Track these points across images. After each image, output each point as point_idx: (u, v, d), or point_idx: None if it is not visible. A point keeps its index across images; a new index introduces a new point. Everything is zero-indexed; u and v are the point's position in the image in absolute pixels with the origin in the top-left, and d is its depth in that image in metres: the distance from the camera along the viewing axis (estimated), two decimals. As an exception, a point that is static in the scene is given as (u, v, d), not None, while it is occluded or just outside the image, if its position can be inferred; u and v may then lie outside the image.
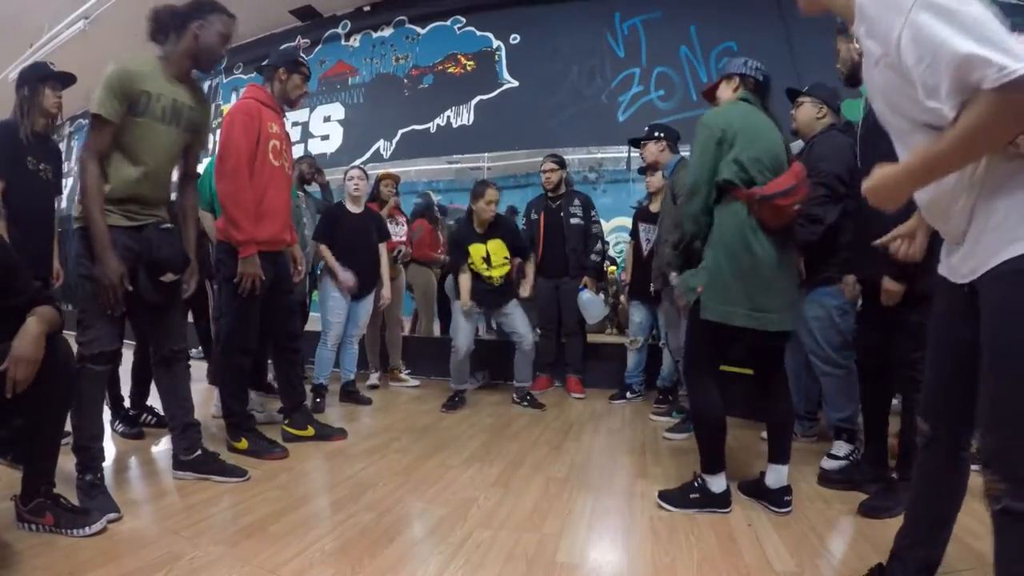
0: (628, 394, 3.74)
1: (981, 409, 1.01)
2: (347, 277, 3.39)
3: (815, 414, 2.78)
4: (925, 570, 1.25)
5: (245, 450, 2.41)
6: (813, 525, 1.79)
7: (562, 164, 3.97)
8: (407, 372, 4.37)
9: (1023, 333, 0.94)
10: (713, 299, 1.80)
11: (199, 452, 2.10)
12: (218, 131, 2.37)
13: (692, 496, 1.90)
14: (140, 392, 2.77)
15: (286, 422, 2.70)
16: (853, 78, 2.16)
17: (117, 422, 2.70)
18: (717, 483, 1.88)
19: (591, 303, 3.74)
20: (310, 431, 2.68)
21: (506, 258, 3.42)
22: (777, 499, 1.90)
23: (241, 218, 2.29)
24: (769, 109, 2.00)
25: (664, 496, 1.94)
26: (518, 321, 3.46)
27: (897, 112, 1.06)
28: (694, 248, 1.90)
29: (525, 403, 3.53)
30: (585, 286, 3.78)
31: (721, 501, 1.87)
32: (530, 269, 3.67)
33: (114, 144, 1.80)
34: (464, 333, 3.38)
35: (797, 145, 2.73)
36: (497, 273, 3.40)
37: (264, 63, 2.58)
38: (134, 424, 2.71)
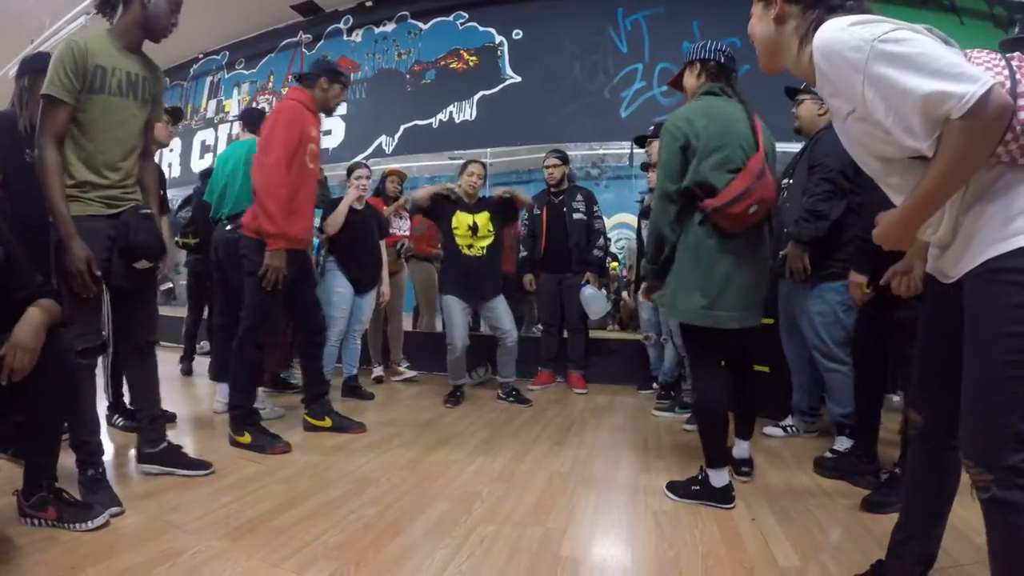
0: (655, 386, 3.68)
1: (962, 402, 1.05)
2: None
3: (817, 409, 2.77)
4: (922, 564, 1.27)
5: (248, 444, 2.41)
6: (816, 520, 1.78)
7: (565, 159, 3.95)
8: (406, 365, 4.38)
9: (997, 329, 0.97)
10: (680, 301, 1.90)
11: (164, 445, 2.08)
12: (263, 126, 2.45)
13: (693, 488, 1.94)
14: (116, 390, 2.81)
15: (306, 412, 2.78)
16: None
17: (117, 416, 2.71)
18: (718, 477, 1.89)
19: (594, 298, 3.73)
20: (327, 422, 2.75)
21: (490, 230, 3.46)
22: (737, 467, 2.13)
23: (276, 212, 2.34)
24: (736, 88, 2.01)
25: (670, 486, 2.00)
26: (503, 316, 3.47)
27: (877, 156, 1.09)
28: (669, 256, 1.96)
29: (511, 399, 3.52)
30: (588, 281, 3.77)
31: (720, 496, 1.88)
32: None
33: (79, 128, 1.78)
34: (459, 329, 3.38)
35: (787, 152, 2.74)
36: (480, 244, 3.43)
37: (307, 72, 2.65)
38: (134, 417, 2.70)
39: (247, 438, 2.42)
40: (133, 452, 2.35)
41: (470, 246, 3.42)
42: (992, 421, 1.00)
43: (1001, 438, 0.98)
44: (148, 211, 1.92)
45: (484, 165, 3.57)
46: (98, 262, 1.77)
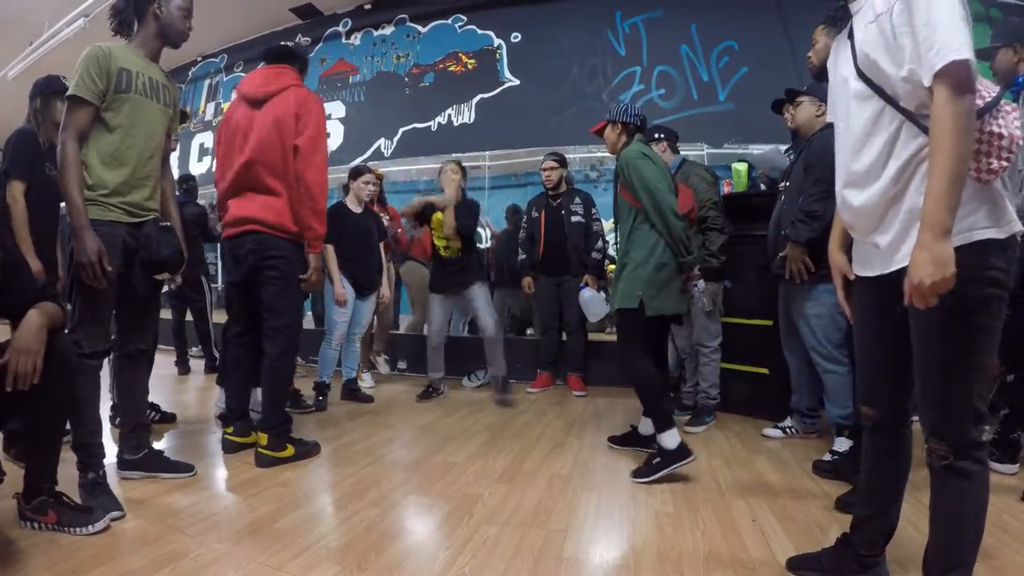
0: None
1: (919, 387, 1.17)
2: (343, 292, 3.39)
3: (816, 410, 2.78)
4: (884, 535, 1.37)
5: (292, 456, 2.29)
6: (817, 520, 1.79)
7: (562, 162, 3.97)
8: (384, 359, 4.44)
9: (941, 317, 1.06)
10: (653, 299, 2.25)
11: (146, 451, 2.07)
12: (298, 118, 2.24)
13: (655, 462, 2.14)
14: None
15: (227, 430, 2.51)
16: (823, 72, 2.23)
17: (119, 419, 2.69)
18: (670, 439, 2.13)
19: (593, 301, 3.73)
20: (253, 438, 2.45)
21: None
22: (646, 443, 2.40)
23: (325, 212, 2.32)
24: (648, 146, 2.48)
25: (636, 473, 2.18)
26: (481, 307, 3.52)
27: (868, 70, 1.17)
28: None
29: (504, 393, 3.53)
30: (586, 284, 3.78)
31: (680, 454, 2.12)
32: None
33: (107, 127, 1.81)
34: (436, 324, 3.55)
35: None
36: (455, 245, 3.51)
37: (289, 47, 2.54)
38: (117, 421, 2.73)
39: (290, 450, 2.31)
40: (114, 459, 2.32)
41: (446, 247, 3.53)
42: (955, 405, 1.11)
43: (964, 418, 1.11)
44: (168, 224, 1.96)
45: (459, 163, 3.65)
46: (114, 268, 1.79)
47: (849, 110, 1.24)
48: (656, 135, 3.23)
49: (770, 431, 2.81)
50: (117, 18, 1.93)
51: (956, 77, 0.99)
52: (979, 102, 1.05)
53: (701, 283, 2.92)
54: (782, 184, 2.61)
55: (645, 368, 2.29)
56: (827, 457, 2.28)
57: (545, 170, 3.94)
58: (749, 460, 2.42)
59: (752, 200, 3.34)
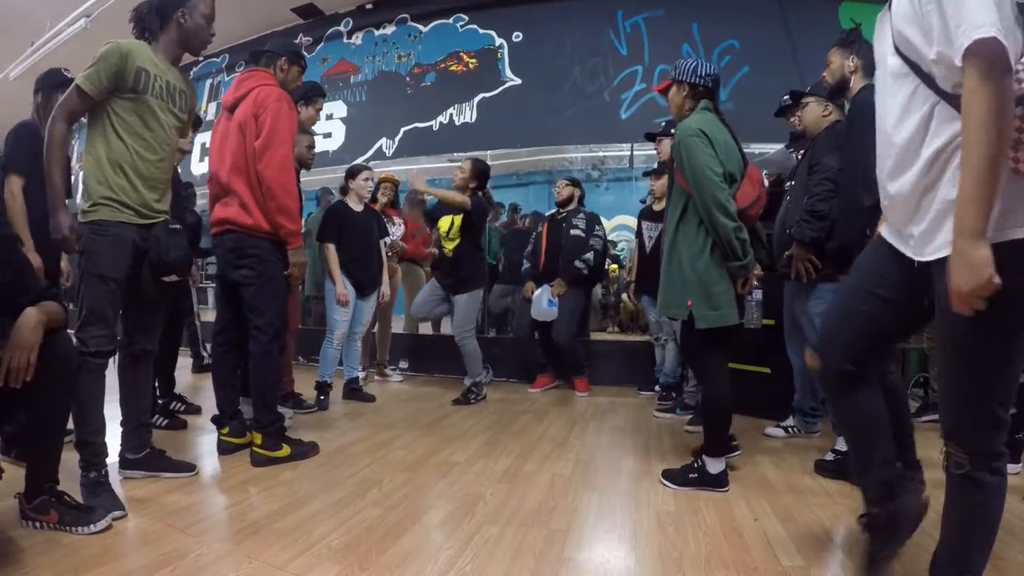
0: (656, 387, 3.67)
1: (941, 387, 1.14)
2: (345, 293, 3.39)
3: (818, 410, 2.77)
4: (888, 485, 1.27)
5: (288, 456, 2.29)
6: (819, 519, 1.78)
7: (577, 184, 4.09)
8: (391, 368, 4.47)
9: (967, 326, 1.00)
10: (704, 307, 2.00)
11: (147, 450, 2.07)
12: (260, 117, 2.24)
13: (691, 476, 2.06)
14: (166, 383, 2.98)
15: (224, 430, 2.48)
16: (838, 91, 2.25)
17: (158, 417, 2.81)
18: (716, 465, 2.03)
19: (538, 301, 3.81)
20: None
21: (457, 233, 3.59)
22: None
23: (294, 209, 2.30)
24: (722, 113, 2.15)
25: (666, 475, 2.11)
26: (457, 314, 3.60)
27: (903, 46, 1.09)
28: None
29: (469, 395, 3.58)
30: (551, 286, 3.82)
31: (717, 481, 2.03)
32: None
33: (123, 126, 1.82)
34: (419, 298, 3.71)
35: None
36: (448, 245, 3.60)
37: (264, 49, 2.52)
38: (173, 415, 2.89)
39: (285, 450, 2.31)
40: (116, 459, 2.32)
41: (444, 247, 3.63)
42: (978, 409, 1.06)
43: (985, 424, 1.06)
44: (177, 226, 1.96)
45: (465, 162, 3.66)
46: (122, 268, 1.82)
47: (886, 89, 1.15)
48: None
49: (772, 430, 2.81)
50: (140, 25, 1.91)
51: (985, 57, 0.90)
52: (1020, 86, 0.94)
53: (757, 294, 2.69)
54: (788, 183, 2.61)
55: (715, 387, 2.08)
56: (829, 456, 2.27)
57: (557, 187, 4.07)
58: (751, 459, 2.42)
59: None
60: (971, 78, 0.91)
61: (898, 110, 1.10)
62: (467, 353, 3.61)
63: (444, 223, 3.61)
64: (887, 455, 1.33)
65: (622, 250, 6.06)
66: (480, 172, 3.59)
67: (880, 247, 1.27)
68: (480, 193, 3.56)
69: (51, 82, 2.34)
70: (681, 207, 2.05)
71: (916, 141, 1.07)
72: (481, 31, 5.44)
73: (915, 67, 1.06)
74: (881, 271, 1.25)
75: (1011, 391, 1.08)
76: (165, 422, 2.80)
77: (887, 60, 1.13)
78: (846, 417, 1.38)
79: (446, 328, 4.78)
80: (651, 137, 3.37)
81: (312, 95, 3.00)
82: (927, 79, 1.04)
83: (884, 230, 1.27)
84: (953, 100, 0.99)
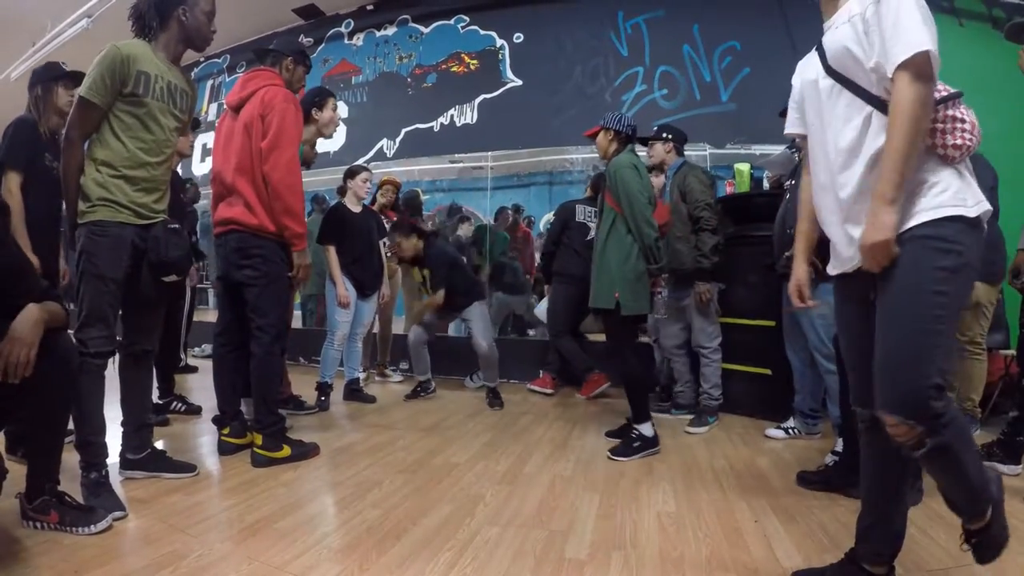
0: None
1: (882, 361, 1.14)
2: (346, 295, 3.39)
3: (818, 411, 2.77)
4: (889, 547, 1.31)
5: (288, 457, 2.29)
6: (819, 520, 1.78)
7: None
8: (392, 369, 4.47)
9: (923, 287, 1.10)
10: (629, 299, 2.45)
11: (148, 451, 2.07)
12: (266, 118, 2.23)
13: (635, 445, 2.45)
14: (166, 385, 3.06)
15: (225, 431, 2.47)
16: None
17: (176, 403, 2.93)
18: (648, 428, 2.48)
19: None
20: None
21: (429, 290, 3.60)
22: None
23: (302, 210, 2.30)
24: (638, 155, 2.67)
25: (615, 452, 2.45)
26: (476, 327, 3.49)
27: (837, 64, 1.23)
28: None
29: (488, 399, 3.56)
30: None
31: (654, 441, 2.49)
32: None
33: (122, 128, 1.81)
34: (428, 320, 3.64)
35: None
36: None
37: (269, 48, 2.51)
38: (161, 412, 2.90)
39: (286, 451, 2.31)
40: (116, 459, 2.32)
41: (430, 292, 3.55)
42: (917, 373, 1.09)
43: (925, 387, 1.08)
44: (177, 226, 1.95)
45: (398, 237, 3.55)
46: (121, 269, 1.82)
47: (822, 108, 1.29)
48: (664, 136, 3.24)
49: (773, 432, 2.81)
50: (138, 22, 1.89)
51: (917, 65, 1.08)
52: (936, 95, 1.14)
53: (666, 292, 3.08)
54: (787, 182, 2.61)
55: (632, 366, 2.54)
56: (828, 460, 2.26)
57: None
58: (752, 461, 2.42)
59: (754, 200, 3.33)
60: (901, 80, 1.09)
61: (840, 119, 1.24)
62: (490, 359, 3.52)
63: (417, 275, 3.63)
64: (903, 515, 1.32)
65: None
66: (412, 226, 3.59)
67: (840, 304, 1.36)
68: (418, 227, 3.60)
69: (49, 75, 2.31)
70: (610, 221, 2.52)
71: (858, 143, 1.21)
72: (482, 32, 5.44)
73: (848, 82, 1.22)
74: (859, 314, 1.29)
75: (948, 359, 1.16)
76: (184, 407, 3.01)
77: (819, 84, 1.29)
78: (879, 462, 1.31)
79: (446, 329, 4.78)
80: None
81: (319, 99, 2.92)
82: (860, 91, 1.20)
83: (831, 269, 1.34)
84: (885, 108, 1.15)
